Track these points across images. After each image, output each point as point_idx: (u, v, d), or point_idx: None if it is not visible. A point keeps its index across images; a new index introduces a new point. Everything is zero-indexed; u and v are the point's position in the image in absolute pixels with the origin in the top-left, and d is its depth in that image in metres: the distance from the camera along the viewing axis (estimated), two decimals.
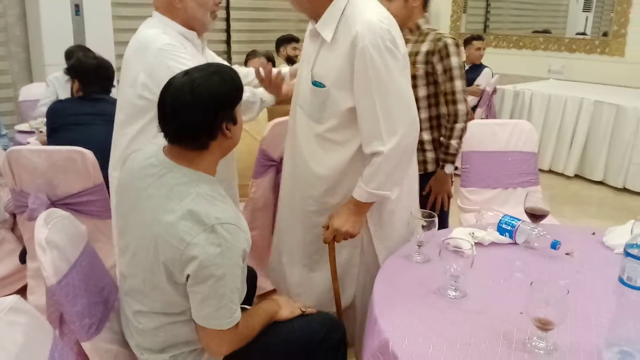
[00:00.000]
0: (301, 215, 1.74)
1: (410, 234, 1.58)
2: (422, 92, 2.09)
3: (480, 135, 2.62)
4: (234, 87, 1.27)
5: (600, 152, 4.60)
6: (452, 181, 2.23)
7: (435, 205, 2.20)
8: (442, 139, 2.12)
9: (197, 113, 1.21)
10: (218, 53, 5.98)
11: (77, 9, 4.18)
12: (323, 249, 1.71)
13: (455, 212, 2.63)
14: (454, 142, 2.09)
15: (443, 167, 2.14)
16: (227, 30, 5.50)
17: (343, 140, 1.61)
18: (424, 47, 2.06)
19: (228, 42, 5.53)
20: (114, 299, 1.47)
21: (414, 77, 2.02)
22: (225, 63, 1.64)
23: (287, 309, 1.43)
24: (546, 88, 5.16)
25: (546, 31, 6.82)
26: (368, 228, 1.71)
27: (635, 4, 5.31)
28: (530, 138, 2.62)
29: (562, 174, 4.84)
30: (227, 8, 5.42)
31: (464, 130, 2.09)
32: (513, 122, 2.72)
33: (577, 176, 4.79)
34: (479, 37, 5.04)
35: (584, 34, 6.85)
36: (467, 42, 4.96)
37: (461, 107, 2.06)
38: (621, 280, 1.04)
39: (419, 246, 1.53)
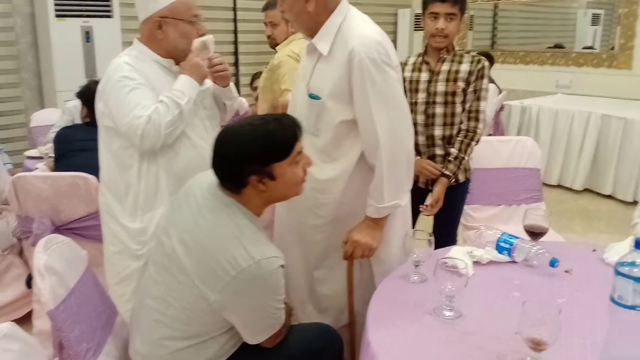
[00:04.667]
0: (301, 233, 1.76)
1: (406, 254, 1.58)
2: (459, 108, 2.18)
3: (482, 152, 2.62)
4: (274, 145, 1.31)
5: (609, 165, 4.56)
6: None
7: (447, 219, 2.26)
8: (454, 151, 2.17)
9: (224, 161, 1.31)
10: None
11: (88, 36, 4.29)
12: (323, 266, 1.73)
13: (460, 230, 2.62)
14: (467, 157, 2.18)
15: (458, 179, 2.23)
16: (235, 53, 5.61)
17: (339, 155, 1.65)
18: (465, 67, 2.15)
19: (236, 64, 5.64)
20: (112, 323, 1.49)
21: (453, 94, 2.14)
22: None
23: None
24: (553, 103, 5.15)
25: (558, 46, 6.82)
26: None
27: None
28: (533, 154, 2.62)
29: (570, 189, 4.80)
30: (235, 32, 5.54)
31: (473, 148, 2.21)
32: (516, 138, 2.71)
33: (586, 190, 4.75)
34: (486, 55, 5.07)
35: (592, 48, 6.84)
36: None
37: (480, 126, 2.17)
38: (612, 300, 1.02)
39: (416, 266, 1.53)
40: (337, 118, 1.60)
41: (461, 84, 2.15)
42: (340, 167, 1.65)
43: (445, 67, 2.15)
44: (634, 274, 0.99)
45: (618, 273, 1.01)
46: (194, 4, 1.70)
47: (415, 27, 6.84)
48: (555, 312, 1.06)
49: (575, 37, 7.29)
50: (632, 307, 1.00)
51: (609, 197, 4.58)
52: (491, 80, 5.02)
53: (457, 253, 1.61)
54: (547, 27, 7.30)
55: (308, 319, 1.78)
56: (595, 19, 7.14)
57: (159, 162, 1.65)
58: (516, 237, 1.63)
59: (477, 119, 2.17)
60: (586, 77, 5.81)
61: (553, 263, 1.52)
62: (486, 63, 2.18)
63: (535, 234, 1.65)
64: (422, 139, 2.23)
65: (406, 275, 1.53)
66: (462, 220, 2.68)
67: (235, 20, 5.55)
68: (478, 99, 2.16)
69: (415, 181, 2.32)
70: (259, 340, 1.34)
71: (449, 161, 2.18)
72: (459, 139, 2.18)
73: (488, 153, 2.64)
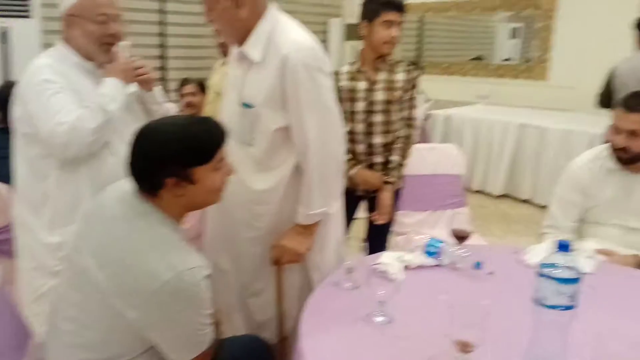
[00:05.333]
0: (235, 245, 1.72)
1: (339, 261, 1.59)
2: (395, 116, 2.26)
3: (411, 159, 2.69)
4: (196, 147, 1.24)
5: (526, 172, 4.83)
6: None
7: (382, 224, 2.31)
8: (397, 157, 2.26)
9: (141, 159, 1.22)
10: None
11: (4, 37, 4.03)
12: (259, 279, 1.70)
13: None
14: (406, 162, 2.29)
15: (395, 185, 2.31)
16: (163, 58, 5.45)
17: (276, 164, 1.63)
18: (401, 76, 2.24)
19: (164, 69, 5.48)
20: (25, 345, 1.38)
21: (390, 103, 2.22)
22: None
23: None
24: (475, 112, 5.39)
25: (479, 58, 7.17)
26: (306, 260, 1.72)
27: (557, 31, 5.67)
28: (457, 161, 2.72)
29: (491, 194, 5.04)
30: (163, 35, 5.40)
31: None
32: (441, 146, 2.82)
33: (505, 195, 5.01)
34: (416, 65, 5.25)
35: (510, 60, 7.24)
36: None
37: (415, 133, 2.30)
38: (536, 300, 1.07)
39: (349, 272, 1.54)
40: (272, 126, 1.58)
41: (399, 93, 2.23)
42: (277, 176, 1.63)
43: (382, 76, 2.21)
44: (556, 275, 1.04)
45: (541, 274, 1.06)
46: (105, 2, 1.59)
47: (347, 37, 6.95)
48: (482, 314, 1.10)
49: (495, 49, 7.71)
50: (554, 307, 1.05)
51: (527, 201, 4.84)
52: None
53: (388, 258, 1.63)
54: (470, 40, 7.66)
55: (237, 331, 1.73)
56: (513, 33, 7.58)
57: (81, 171, 1.56)
58: (443, 241, 1.68)
59: (412, 126, 2.28)
60: (505, 88, 6.14)
61: (477, 265, 1.58)
62: (418, 73, 2.28)
63: (460, 237, 1.71)
64: (362, 148, 2.28)
65: (339, 282, 1.54)
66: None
67: (163, 24, 5.39)
68: (412, 107, 2.27)
69: (354, 189, 2.35)
70: (184, 359, 1.24)
71: (393, 168, 2.25)
72: (398, 146, 2.25)
73: (416, 160, 2.70)
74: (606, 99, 3.81)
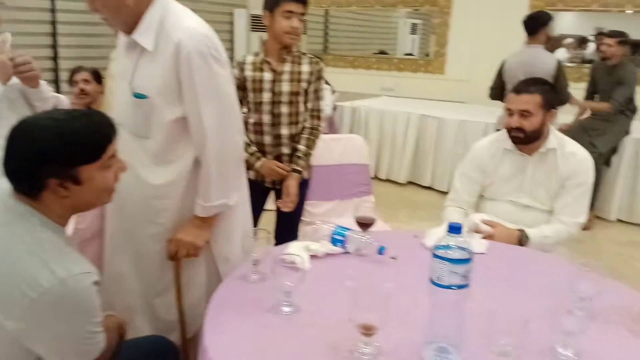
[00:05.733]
0: (136, 244, 1.64)
1: (246, 254, 1.57)
2: (302, 107, 2.27)
3: (318, 150, 2.72)
4: (81, 145, 1.13)
5: (427, 160, 5.07)
6: None
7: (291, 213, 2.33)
8: (303, 147, 2.28)
9: (17, 159, 1.10)
10: (43, 70, 5.41)
11: None
12: (163, 278, 1.63)
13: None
14: (312, 152, 2.31)
15: (303, 176, 2.33)
16: (54, 46, 5.07)
17: (175, 157, 1.57)
18: (306, 68, 2.25)
19: (55, 58, 5.10)
20: None
21: (297, 94, 2.23)
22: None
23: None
24: (379, 104, 5.56)
25: (382, 52, 7.40)
26: (212, 252, 1.68)
27: (452, 27, 5.97)
28: (362, 151, 2.80)
29: (397, 182, 5.25)
30: (54, 23, 5.01)
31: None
32: (346, 136, 2.87)
33: (409, 183, 5.23)
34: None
35: (411, 54, 7.55)
36: None
37: (322, 124, 2.31)
38: (432, 281, 1.12)
39: (255, 265, 1.52)
40: (168, 117, 1.51)
41: (304, 84, 2.24)
42: (178, 169, 1.57)
43: (287, 67, 2.21)
44: (449, 256, 1.09)
45: (435, 256, 1.11)
46: None
47: (252, 28, 6.87)
48: (382, 297, 1.13)
49: (397, 44, 7.99)
50: (449, 287, 1.10)
51: (429, 188, 5.09)
52: (325, 82, 5.27)
53: (294, 249, 1.63)
54: (373, 35, 7.89)
55: (140, 333, 1.64)
56: (413, 28, 7.90)
57: None
58: (348, 229, 1.71)
59: (319, 118, 2.30)
60: (406, 80, 6.39)
61: (381, 250, 1.63)
62: (323, 65, 2.30)
63: (364, 224, 1.76)
64: (268, 139, 2.26)
65: (245, 275, 1.52)
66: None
67: (53, 11, 5.01)
68: (318, 98, 2.29)
69: (262, 180, 2.33)
70: None
71: (299, 157, 2.26)
72: (304, 136, 2.27)
73: (322, 151, 2.74)
74: (497, 92, 4.09)
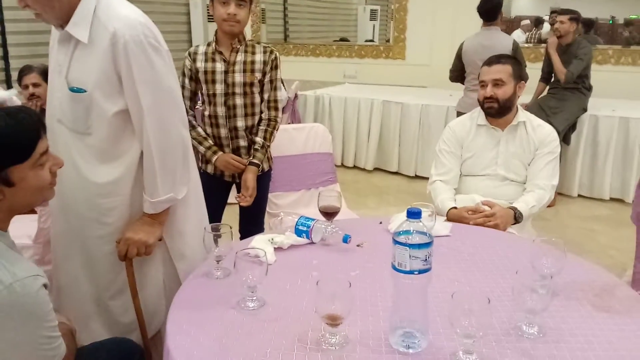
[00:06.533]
0: (84, 246, 1.57)
1: (207, 250, 1.53)
2: (257, 98, 2.22)
3: (279, 140, 2.68)
4: (8, 146, 1.08)
5: (393, 145, 5.09)
6: None
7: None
8: (260, 139, 2.23)
9: None
10: None
11: None
12: (116, 279, 1.59)
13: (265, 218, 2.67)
14: (270, 144, 2.27)
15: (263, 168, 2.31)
16: (4, 46, 4.88)
17: (121, 152, 1.51)
18: (258, 57, 2.19)
19: (5, 57, 4.91)
20: None
21: (251, 85, 2.18)
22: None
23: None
24: (342, 92, 5.55)
25: (343, 39, 7.37)
26: (168, 249, 1.64)
27: (410, 12, 5.99)
28: (325, 140, 2.77)
29: (364, 169, 5.25)
30: (2, 21, 4.81)
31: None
32: (309, 125, 2.84)
33: (376, 169, 5.25)
34: None
35: (372, 41, 7.55)
36: None
37: (280, 115, 2.27)
38: (393, 267, 1.11)
39: (218, 261, 1.49)
40: (110, 110, 1.45)
41: (258, 75, 2.19)
42: (123, 165, 1.51)
43: (240, 57, 2.16)
44: (409, 241, 1.08)
45: (395, 242, 1.10)
46: None
47: (209, 18, 6.74)
48: (346, 285, 1.12)
49: (357, 31, 7.98)
50: (410, 272, 1.09)
51: (396, 173, 5.12)
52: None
53: (258, 242, 1.61)
54: (333, 22, 7.86)
55: (98, 338, 1.57)
56: (373, 15, 7.91)
57: None
58: (312, 219, 1.69)
59: (276, 108, 2.26)
60: (368, 67, 6.39)
61: (345, 239, 1.62)
62: (277, 54, 2.25)
63: (329, 214, 1.74)
64: (224, 132, 2.21)
65: (209, 272, 1.48)
66: (267, 208, 2.73)
67: (1, 9, 4.81)
68: (274, 88, 2.24)
69: (221, 175, 2.29)
70: None
71: (256, 149, 2.22)
72: (262, 127, 2.23)
73: (285, 141, 2.72)
74: (457, 74, 4.13)
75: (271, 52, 2.22)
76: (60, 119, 1.50)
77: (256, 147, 2.22)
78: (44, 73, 2.84)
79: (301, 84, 5.26)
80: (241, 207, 2.35)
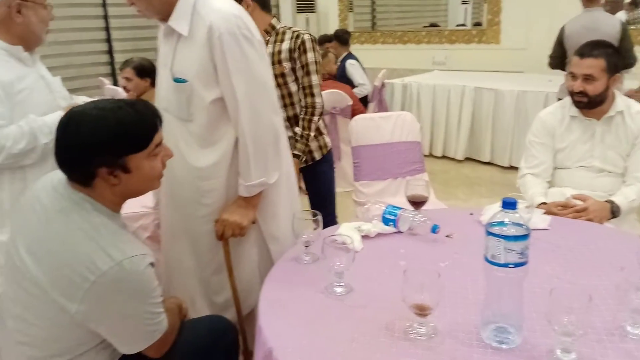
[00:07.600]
0: (187, 226, 1.69)
1: (295, 235, 1.56)
2: (294, 87, 2.20)
3: (365, 129, 2.69)
4: (129, 135, 1.17)
5: (485, 134, 4.89)
6: None
7: None
8: (298, 130, 2.21)
9: (68, 151, 1.16)
10: (100, 63, 5.57)
11: None
12: (216, 256, 1.68)
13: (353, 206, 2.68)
14: (312, 134, 2.21)
15: (306, 158, 2.26)
16: (109, 40, 5.25)
17: (218, 138, 1.60)
18: (285, 45, 2.17)
19: (110, 52, 5.28)
20: None
21: (282, 75, 2.16)
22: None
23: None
24: (431, 79, 5.41)
25: (433, 25, 7.17)
26: (261, 231, 1.71)
27: None
28: (413, 128, 2.72)
29: (454, 159, 5.10)
30: (106, 17, 5.18)
31: (317, 123, 2.24)
32: (396, 114, 2.80)
33: (467, 159, 5.07)
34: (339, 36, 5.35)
35: (463, 25, 7.27)
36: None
37: (318, 100, 2.20)
38: (486, 259, 1.07)
39: (307, 246, 1.52)
40: (208, 98, 1.55)
41: (286, 65, 2.17)
42: (221, 150, 1.60)
43: (269, 49, 2.15)
44: (504, 232, 1.04)
45: (489, 233, 1.06)
46: None
47: (298, 10, 6.82)
48: (435, 276, 1.10)
49: (447, 15, 7.72)
50: (505, 265, 1.04)
51: (488, 163, 4.92)
52: (353, 57, 5.19)
53: (345, 230, 1.62)
54: (422, 7, 7.65)
55: (200, 313, 1.70)
56: None
57: (27, 169, 1.61)
58: (400, 208, 1.68)
59: (312, 94, 2.19)
60: (459, 53, 6.17)
61: (434, 229, 1.59)
62: (306, 37, 2.17)
63: (416, 203, 1.71)
64: None
65: (298, 256, 1.52)
66: (353, 196, 2.74)
67: (104, 5, 5.17)
68: (308, 73, 2.18)
69: None
70: (137, 350, 1.21)
71: (296, 140, 2.20)
72: (300, 116, 2.21)
73: (371, 130, 2.70)
74: (558, 60, 3.87)
75: (297, 36, 2.17)
76: (167, 107, 1.61)
77: (297, 137, 2.20)
78: (138, 68, 2.99)
79: (388, 73, 5.20)
80: (310, 196, 2.37)
